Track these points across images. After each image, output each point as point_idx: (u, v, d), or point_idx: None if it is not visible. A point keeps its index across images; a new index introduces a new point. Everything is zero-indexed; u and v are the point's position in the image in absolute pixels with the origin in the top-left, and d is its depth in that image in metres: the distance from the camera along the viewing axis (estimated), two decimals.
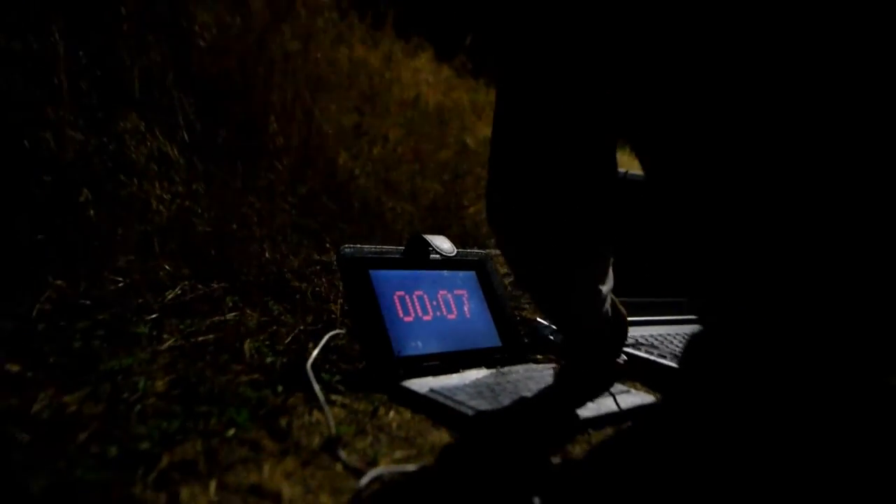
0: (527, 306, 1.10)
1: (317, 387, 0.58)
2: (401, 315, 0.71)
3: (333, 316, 0.84)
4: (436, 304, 0.75)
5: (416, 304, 0.73)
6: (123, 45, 1.28)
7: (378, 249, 0.74)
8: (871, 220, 0.45)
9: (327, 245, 1.25)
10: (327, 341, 0.70)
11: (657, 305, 1.05)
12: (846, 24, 0.45)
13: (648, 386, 0.79)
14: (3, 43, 1.19)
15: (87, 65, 1.25)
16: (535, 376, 0.73)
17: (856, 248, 0.46)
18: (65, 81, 1.21)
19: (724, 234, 0.52)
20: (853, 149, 0.45)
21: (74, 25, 1.25)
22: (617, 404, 0.67)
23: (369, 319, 0.68)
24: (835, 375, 0.49)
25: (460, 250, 0.80)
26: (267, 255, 1.13)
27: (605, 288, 0.66)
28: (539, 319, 0.90)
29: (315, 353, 0.63)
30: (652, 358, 0.82)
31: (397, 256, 0.75)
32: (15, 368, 0.63)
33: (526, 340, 0.82)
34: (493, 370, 0.74)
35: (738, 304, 0.54)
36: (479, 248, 0.96)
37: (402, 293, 0.72)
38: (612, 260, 0.67)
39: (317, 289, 0.98)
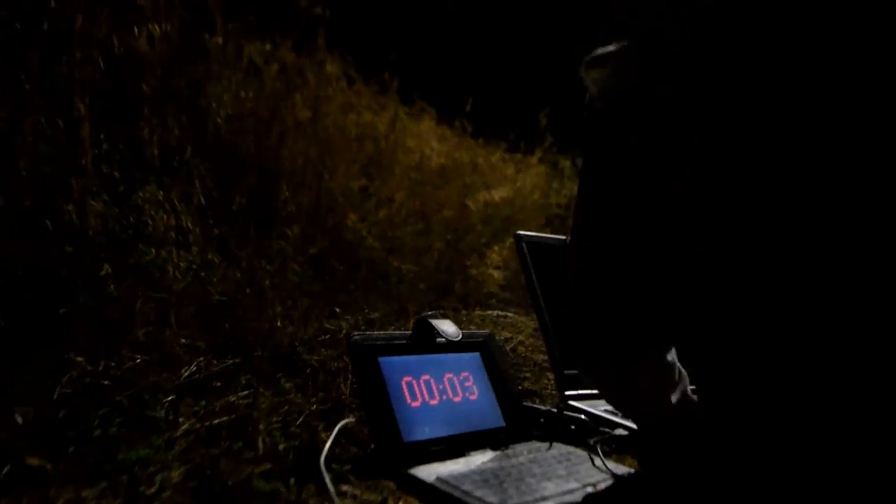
0: (528, 375, 1.12)
1: (329, 483, 0.60)
2: (408, 401, 0.73)
3: (343, 397, 0.87)
4: (442, 387, 0.77)
5: (423, 388, 0.75)
6: (145, 121, 1.35)
7: (386, 335, 0.77)
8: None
9: (336, 311, 1.29)
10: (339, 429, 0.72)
11: None
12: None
13: (629, 455, 0.80)
14: (32, 122, 1.26)
15: (110, 139, 1.31)
16: (539, 458, 0.75)
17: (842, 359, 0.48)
18: (89, 155, 1.28)
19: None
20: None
21: (98, 104, 1.32)
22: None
23: (378, 406, 0.71)
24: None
25: (465, 332, 0.83)
26: (278, 323, 1.17)
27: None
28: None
29: (327, 447, 0.65)
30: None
31: (404, 342, 0.78)
32: (35, 462, 0.66)
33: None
34: (498, 451, 0.76)
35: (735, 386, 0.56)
36: (480, 306, 0.98)
37: (409, 378, 0.75)
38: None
39: (326, 363, 1.01)
